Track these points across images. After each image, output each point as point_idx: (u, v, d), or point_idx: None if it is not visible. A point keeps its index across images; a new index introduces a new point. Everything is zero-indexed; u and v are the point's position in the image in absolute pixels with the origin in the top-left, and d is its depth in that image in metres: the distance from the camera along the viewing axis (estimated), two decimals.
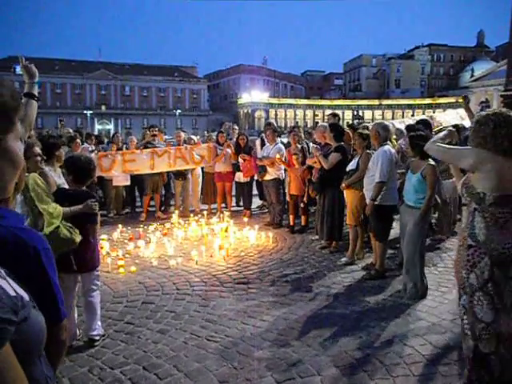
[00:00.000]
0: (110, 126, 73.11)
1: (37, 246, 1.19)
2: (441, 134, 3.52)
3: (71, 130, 10.68)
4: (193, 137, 10.64)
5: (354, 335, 4.09)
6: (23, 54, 3.02)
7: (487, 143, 2.83)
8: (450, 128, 3.67)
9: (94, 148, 9.76)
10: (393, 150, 5.64)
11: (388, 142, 5.75)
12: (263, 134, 9.99)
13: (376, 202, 5.54)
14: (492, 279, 2.79)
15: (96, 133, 42.51)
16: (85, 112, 71.00)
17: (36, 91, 2.85)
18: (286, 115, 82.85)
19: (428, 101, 79.67)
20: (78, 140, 8.88)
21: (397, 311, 4.61)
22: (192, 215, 8.96)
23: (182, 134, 10.72)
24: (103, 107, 75.97)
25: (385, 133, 5.70)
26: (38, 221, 3.57)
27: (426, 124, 7.56)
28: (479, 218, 2.87)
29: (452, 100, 69.20)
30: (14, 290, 0.91)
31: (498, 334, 2.84)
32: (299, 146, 8.29)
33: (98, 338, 4.01)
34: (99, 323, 4.11)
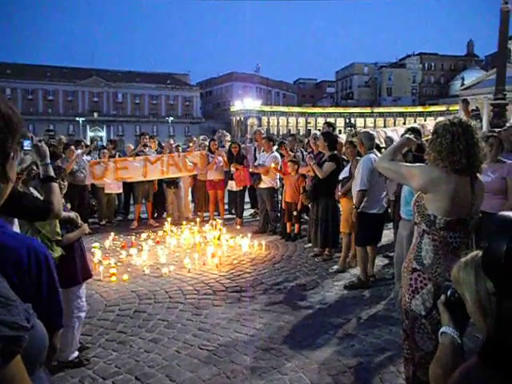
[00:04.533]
0: (103, 133, 72.88)
1: (46, 254, 1.20)
2: (395, 144, 3.06)
3: (63, 137, 10.65)
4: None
5: (347, 343, 4.10)
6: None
7: (443, 159, 2.50)
8: (407, 135, 3.18)
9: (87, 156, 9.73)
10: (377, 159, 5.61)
11: (374, 150, 5.79)
12: (255, 143, 10.08)
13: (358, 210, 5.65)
14: (436, 307, 2.61)
15: (88, 140, 42.37)
16: (77, 119, 70.69)
17: (52, 172, 2.71)
18: (278, 123, 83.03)
19: (419, 109, 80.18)
20: (73, 147, 8.87)
21: (390, 320, 4.62)
22: (184, 223, 8.94)
23: (172, 141, 10.78)
24: (95, 114, 75.69)
25: (369, 142, 5.78)
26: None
27: (416, 132, 7.61)
28: (427, 240, 2.59)
29: (443, 108, 69.80)
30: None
31: None
32: (292, 153, 8.38)
33: (76, 360, 3.81)
34: (74, 347, 3.84)
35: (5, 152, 0.90)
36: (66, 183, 3.93)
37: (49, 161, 2.73)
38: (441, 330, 1.41)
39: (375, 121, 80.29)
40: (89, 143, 12.66)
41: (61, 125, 67.59)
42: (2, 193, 0.97)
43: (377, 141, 7.36)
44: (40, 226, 3.42)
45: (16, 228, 2.99)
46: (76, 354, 3.82)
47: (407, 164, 3.05)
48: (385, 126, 59.64)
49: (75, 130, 69.55)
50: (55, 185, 2.66)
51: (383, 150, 6.96)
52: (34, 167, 3.52)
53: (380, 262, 6.62)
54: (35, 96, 73.92)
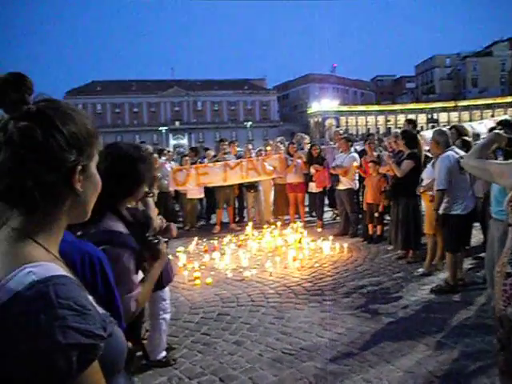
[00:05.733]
0: (184, 141, 75.64)
1: (100, 257, 1.24)
2: (483, 141, 2.89)
3: (149, 147, 11.16)
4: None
5: (435, 351, 3.90)
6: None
7: None
8: (496, 130, 2.96)
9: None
10: (456, 156, 5.25)
11: (453, 147, 5.45)
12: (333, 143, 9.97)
13: (440, 211, 5.32)
14: None
15: (171, 148, 44.13)
16: (160, 128, 74.03)
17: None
18: (357, 122, 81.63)
19: (510, 99, 74.98)
20: (156, 155, 9.30)
21: (482, 327, 4.31)
22: (265, 226, 9.02)
23: (250, 146, 10.92)
24: (177, 123, 78.87)
25: (442, 137, 5.45)
26: None
27: (508, 125, 7.12)
28: None
29: None
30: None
31: None
32: (375, 153, 8.18)
33: (164, 359, 3.96)
34: (162, 348, 4.00)
35: (66, 167, 0.95)
36: (155, 191, 4.13)
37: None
38: None
39: (460, 115, 76.34)
40: (172, 151, 13.29)
41: (145, 135, 71.04)
42: (76, 207, 1.03)
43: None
44: None
45: None
46: (164, 353, 3.97)
47: (497, 161, 2.84)
48: (470, 120, 56.42)
49: (159, 138, 72.82)
50: (150, 199, 2.80)
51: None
52: None
53: (469, 264, 6.26)
54: (122, 109, 78.58)
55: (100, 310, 0.96)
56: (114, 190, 1.96)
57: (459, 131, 6.46)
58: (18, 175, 0.90)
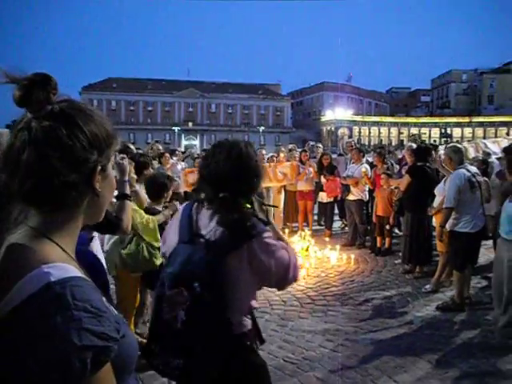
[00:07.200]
0: (196, 142, 75.89)
1: (91, 261, 1.23)
2: None
3: (160, 147, 11.22)
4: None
5: (438, 369, 3.87)
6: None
7: None
8: None
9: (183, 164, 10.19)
10: (467, 174, 5.24)
11: (466, 164, 5.43)
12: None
13: (448, 228, 5.28)
14: None
15: (183, 148, 44.38)
16: (173, 128, 74.40)
17: (128, 190, 2.87)
18: (369, 133, 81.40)
19: None
20: (167, 155, 9.33)
21: (488, 348, 4.27)
22: None
23: (264, 152, 10.90)
24: (190, 124, 79.22)
25: (457, 155, 5.41)
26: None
27: None
28: None
29: None
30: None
31: None
32: (385, 165, 8.14)
33: None
34: None
35: (88, 168, 0.97)
36: (170, 192, 4.17)
37: (127, 178, 2.87)
38: None
39: (474, 131, 75.89)
40: (183, 151, 13.35)
41: (158, 133, 71.46)
42: (93, 207, 1.05)
43: (474, 153, 6.96)
44: (144, 234, 3.64)
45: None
46: None
47: None
48: (485, 137, 56.05)
49: (171, 138, 73.18)
50: (128, 203, 2.78)
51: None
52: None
53: (477, 283, 6.20)
54: (136, 107, 79.08)
55: (113, 311, 0.96)
56: (240, 187, 1.97)
57: None
58: (43, 175, 0.91)
